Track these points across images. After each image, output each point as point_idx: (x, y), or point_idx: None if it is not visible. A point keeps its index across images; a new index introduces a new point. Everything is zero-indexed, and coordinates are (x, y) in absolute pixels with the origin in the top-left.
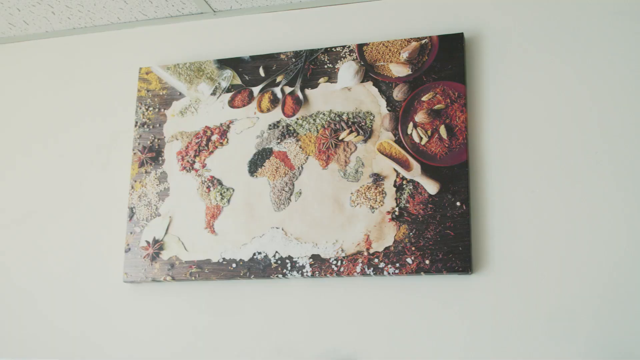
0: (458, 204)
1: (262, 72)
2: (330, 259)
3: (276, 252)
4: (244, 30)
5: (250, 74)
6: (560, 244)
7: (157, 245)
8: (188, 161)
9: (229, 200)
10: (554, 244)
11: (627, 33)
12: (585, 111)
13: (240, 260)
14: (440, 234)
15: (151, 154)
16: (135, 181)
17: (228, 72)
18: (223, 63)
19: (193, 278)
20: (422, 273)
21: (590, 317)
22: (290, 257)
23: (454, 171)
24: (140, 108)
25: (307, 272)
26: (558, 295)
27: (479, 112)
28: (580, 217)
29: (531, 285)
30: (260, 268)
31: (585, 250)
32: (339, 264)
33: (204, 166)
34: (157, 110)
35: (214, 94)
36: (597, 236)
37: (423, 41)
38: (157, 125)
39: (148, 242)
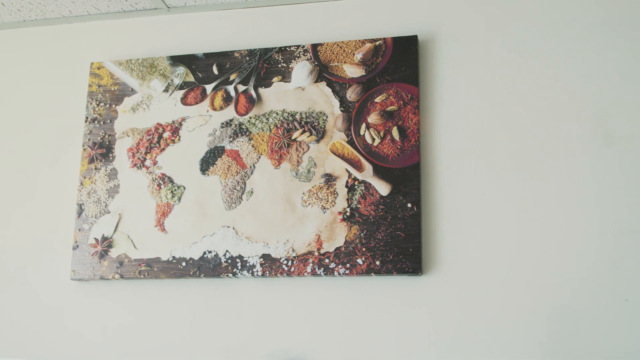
0: (409, 205)
1: (215, 70)
2: (281, 258)
3: (227, 251)
4: (198, 28)
5: (203, 72)
6: (509, 245)
7: (106, 243)
8: (139, 158)
9: (179, 199)
10: (503, 246)
11: (577, 37)
12: (535, 114)
13: (190, 259)
14: (391, 235)
15: (101, 150)
16: (85, 177)
17: (181, 69)
18: (176, 60)
19: (142, 276)
20: (372, 274)
21: (538, 317)
22: (240, 257)
23: (406, 173)
24: (91, 103)
25: (257, 271)
26: (506, 296)
27: (432, 114)
28: (529, 220)
29: (480, 287)
30: (210, 267)
31: (533, 251)
32: (289, 263)
33: (155, 163)
34: (108, 106)
35: (166, 90)
36: (545, 238)
37: (377, 43)
38: (108, 121)
39: (97, 240)
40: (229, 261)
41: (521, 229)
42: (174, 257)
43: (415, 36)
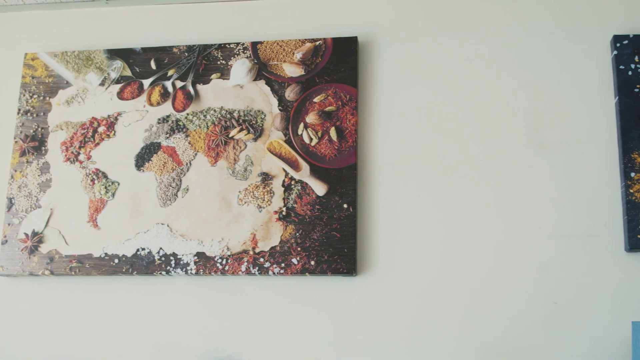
0: (345, 206)
1: (153, 65)
2: (215, 257)
3: (160, 248)
4: (137, 21)
5: (141, 66)
6: (442, 248)
7: (37, 238)
8: (72, 152)
9: (113, 194)
10: (437, 248)
11: (512, 45)
12: (471, 119)
13: (123, 255)
14: (327, 236)
15: (34, 144)
16: (16, 171)
17: (118, 63)
18: (113, 53)
19: (73, 273)
20: (307, 274)
21: (469, 318)
22: (174, 254)
23: (343, 173)
24: (24, 95)
25: (191, 269)
26: (439, 297)
27: (370, 115)
28: (462, 223)
29: (413, 288)
30: (143, 264)
31: (466, 254)
32: (224, 262)
33: (89, 158)
34: (42, 98)
35: (102, 84)
36: (477, 241)
37: (317, 43)
38: (42, 113)
39: (27, 235)
40: (163, 259)
41: (454, 231)
42: (106, 253)
43: (355, 37)
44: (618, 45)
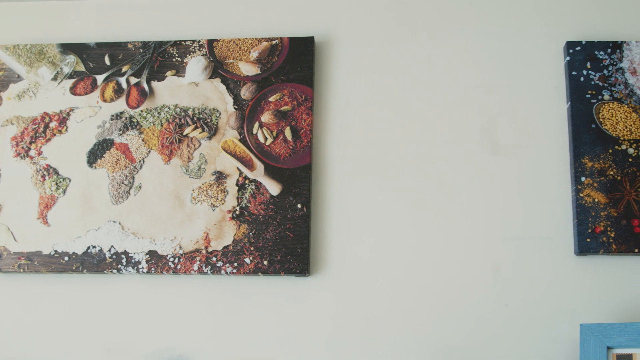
0: (299, 206)
1: (107, 61)
2: (167, 255)
3: (112, 246)
4: (91, 16)
5: (95, 62)
6: (395, 249)
7: None
8: (23, 147)
9: (64, 191)
10: (390, 250)
11: (467, 47)
12: (426, 121)
13: (74, 253)
14: (280, 235)
15: None
16: None
17: (71, 58)
18: (67, 48)
19: (22, 270)
20: (259, 273)
21: (421, 319)
22: (126, 252)
23: (297, 173)
24: None
25: (142, 268)
26: (391, 298)
27: (325, 116)
28: (416, 224)
29: (366, 289)
30: (94, 262)
31: (419, 255)
32: (176, 261)
33: (39, 154)
34: None
35: (55, 79)
36: (430, 243)
37: (274, 42)
38: None
39: None
40: (114, 257)
41: (408, 233)
42: (56, 251)
43: (312, 37)
44: (571, 51)
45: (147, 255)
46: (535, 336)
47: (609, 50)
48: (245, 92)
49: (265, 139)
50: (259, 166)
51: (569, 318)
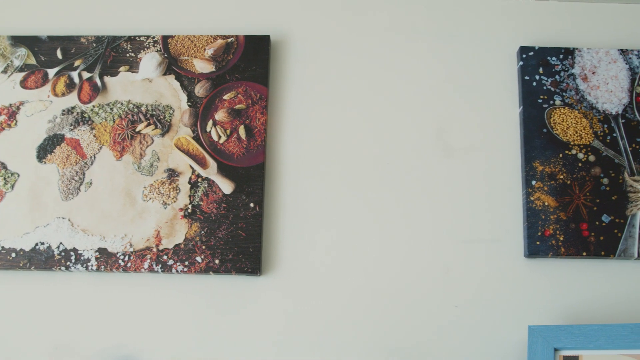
0: (252, 205)
1: (59, 54)
2: (117, 253)
3: (60, 243)
4: (44, 8)
5: (46, 55)
6: (347, 250)
7: None
8: None
9: (12, 186)
10: (341, 250)
11: (423, 51)
12: (380, 123)
13: (21, 250)
14: (232, 234)
15: None
16: None
17: (22, 51)
18: (18, 40)
19: None
20: (211, 272)
21: (372, 320)
22: (75, 250)
23: (250, 172)
24: None
25: (92, 265)
26: (342, 299)
27: (279, 115)
28: (368, 226)
29: (317, 289)
30: (42, 259)
31: (370, 256)
32: (126, 259)
33: None
34: None
35: (4, 72)
36: (383, 244)
37: (229, 40)
38: None
39: None
40: (63, 254)
41: (360, 234)
42: (2, 247)
43: (268, 36)
44: (524, 56)
45: (97, 253)
46: (485, 337)
47: (561, 56)
48: (200, 90)
49: (219, 137)
50: (212, 164)
51: (518, 320)
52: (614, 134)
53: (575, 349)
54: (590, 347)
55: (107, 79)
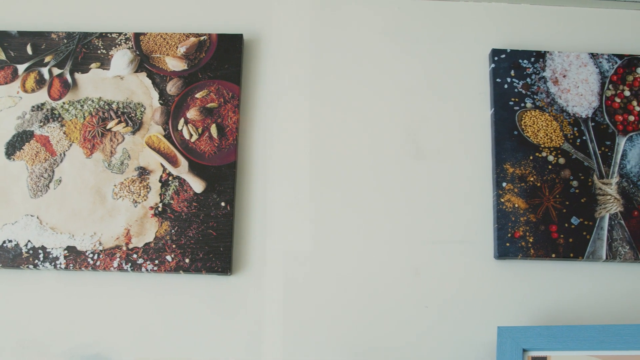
0: (223, 204)
1: (29, 50)
2: (86, 251)
3: (29, 241)
4: (13, 3)
5: (16, 51)
6: (318, 250)
7: None
8: None
9: None
10: (313, 250)
11: (395, 53)
12: (352, 123)
13: None
14: (203, 233)
15: None
16: None
17: None
18: None
19: None
20: (181, 272)
21: (344, 320)
22: (43, 248)
23: (222, 171)
24: None
25: (60, 264)
26: (313, 299)
27: (251, 114)
28: (339, 226)
29: (288, 289)
30: (9, 257)
31: (341, 257)
32: (95, 257)
33: None
34: None
35: None
36: (354, 245)
37: (202, 38)
38: None
39: None
40: (31, 252)
41: (330, 234)
42: None
43: (241, 35)
44: (496, 58)
45: (66, 251)
46: (454, 338)
47: (532, 59)
48: (172, 88)
49: (191, 135)
50: (184, 163)
51: (488, 320)
52: (584, 137)
53: (543, 350)
54: (558, 348)
55: (77, 75)
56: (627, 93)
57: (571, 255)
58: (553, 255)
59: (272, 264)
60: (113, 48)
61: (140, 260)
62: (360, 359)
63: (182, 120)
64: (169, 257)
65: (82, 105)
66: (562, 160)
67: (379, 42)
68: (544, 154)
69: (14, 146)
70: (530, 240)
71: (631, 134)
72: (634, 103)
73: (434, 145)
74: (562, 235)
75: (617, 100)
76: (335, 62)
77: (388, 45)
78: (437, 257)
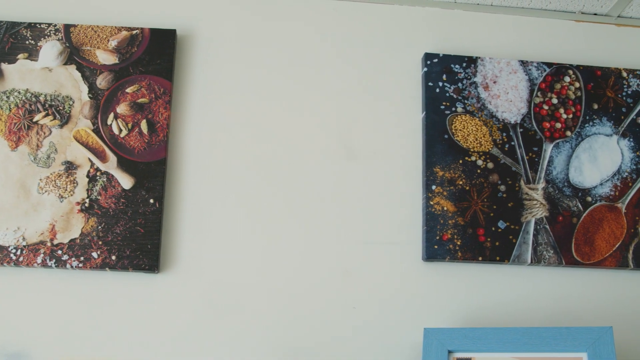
0: (151, 201)
1: None
2: (9, 247)
3: None
4: None
5: None
6: (247, 249)
7: None
8: None
9: None
10: (242, 249)
11: (332, 50)
12: (285, 123)
13: None
14: (130, 230)
15: None
16: None
17: None
18: None
19: None
20: (107, 269)
21: (271, 320)
22: None
23: (151, 167)
24: None
25: None
26: (242, 298)
27: (183, 111)
28: (270, 226)
29: (216, 288)
30: None
31: (271, 257)
32: (18, 253)
33: None
34: None
35: None
36: (284, 245)
37: (134, 32)
38: None
39: None
40: None
41: (261, 233)
42: None
43: (174, 30)
44: (429, 62)
45: None
46: (382, 339)
47: (464, 65)
48: (102, 82)
49: (120, 130)
50: (112, 158)
51: (415, 322)
52: (512, 143)
53: (468, 352)
54: (483, 349)
55: (4, 65)
56: (554, 101)
57: (497, 258)
58: (480, 259)
59: (200, 262)
60: (42, 39)
61: (65, 257)
62: (284, 359)
63: (111, 115)
64: (95, 254)
65: (7, 97)
66: (490, 165)
67: (313, 42)
68: (473, 158)
69: None
70: (458, 243)
71: (558, 140)
72: (561, 110)
73: (366, 147)
74: (489, 239)
75: (545, 107)
76: (269, 61)
77: (323, 45)
78: (367, 259)
